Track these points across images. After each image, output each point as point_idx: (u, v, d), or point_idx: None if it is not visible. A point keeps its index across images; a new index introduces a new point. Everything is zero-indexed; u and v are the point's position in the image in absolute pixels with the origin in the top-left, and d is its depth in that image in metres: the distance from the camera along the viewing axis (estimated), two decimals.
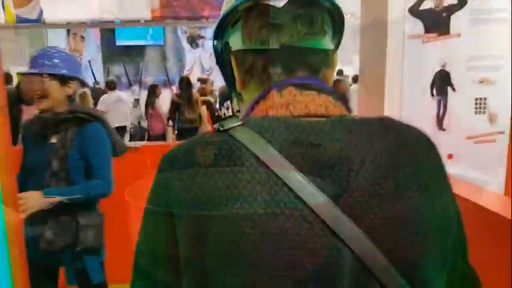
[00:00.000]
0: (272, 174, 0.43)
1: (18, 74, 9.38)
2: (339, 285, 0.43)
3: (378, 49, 2.32)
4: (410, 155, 0.48)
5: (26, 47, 12.79)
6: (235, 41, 0.57)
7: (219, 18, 0.59)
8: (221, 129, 0.47)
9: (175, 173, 0.47)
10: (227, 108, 5.91)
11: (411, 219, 0.45)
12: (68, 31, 9.00)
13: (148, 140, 5.77)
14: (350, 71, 8.57)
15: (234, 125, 0.47)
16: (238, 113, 0.66)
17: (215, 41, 0.63)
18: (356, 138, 0.46)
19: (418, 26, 2.13)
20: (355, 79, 7.52)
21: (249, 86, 0.57)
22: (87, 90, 6.13)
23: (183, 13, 5.06)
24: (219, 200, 0.43)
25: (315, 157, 0.45)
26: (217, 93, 6.73)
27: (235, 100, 0.65)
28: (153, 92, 5.78)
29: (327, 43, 0.56)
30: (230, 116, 0.50)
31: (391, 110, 2.17)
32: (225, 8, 0.58)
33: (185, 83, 5.09)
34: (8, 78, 5.54)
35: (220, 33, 0.61)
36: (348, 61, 10.49)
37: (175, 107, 5.11)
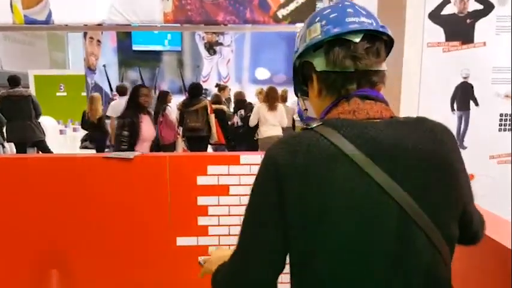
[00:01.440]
0: (343, 155, 0.65)
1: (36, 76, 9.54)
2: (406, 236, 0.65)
3: (393, 58, 2.13)
4: (438, 142, 0.69)
5: (46, 50, 13.09)
6: (320, 63, 0.74)
7: (306, 44, 0.76)
8: (308, 127, 0.70)
9: (282, 160, 0.67)
10: (241, 118, 5.74)
11: (440, 188, 0.67)
12: (85, 35, 9.07)
13: (159, 149, 5.63)
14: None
15: (316, 124, 0.70)
16: (306, 111, 0.87)
17: (297, 59, 0.81)
18: (401, 132, 0.68)
19: (439, 33, 1.96)
20: None
21: (323, 95, 0.76)
22: (97, 94, 6.10)
23: (197, 17, 4.96)
24: (316, 174, 0.65)
25: (374, 146, 0.66)
26: (232, 101, 6.61)
27: (301, 100, 0.88)
28: (163, 98, 5.69)
29: (384, 65, 0.76)
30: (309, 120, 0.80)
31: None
32: (312, 36, 0.75)
33: (192, 90, 4.97)
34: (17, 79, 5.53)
35: (302, 53, 0.78)
36: None
37: (180, 115, 4.99)
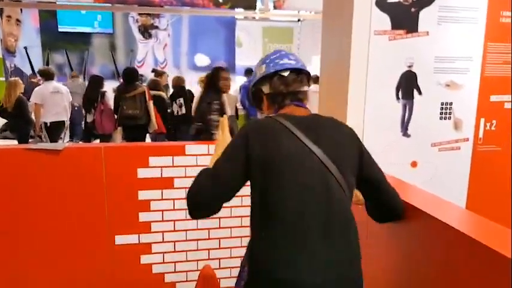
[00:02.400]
0: (292, 134, 1.09)
1: None
2: (323, 179, 1.06)
3: (341, 46, 2.12)
4: (346, 128, 1.17)
5: None
6: (266, 89, 1.24)
7: (257, 77, 1.27)
8: (269, 116, 1.17)
9: (251, 130, 1.12)
10: (180, 106, 5.46)
11: (344, 151, 1.11)
12: (1, 13, 8.10)
13: (97, 138, 5.19)
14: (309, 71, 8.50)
15: (273, 115, 1.17)
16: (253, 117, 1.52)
17: (252, 87, 1.30)
18: (321, 120, 1.18)
19: (385, 22, 1.96)
20: (314, 80, 7.41)
21: (269, 107, 1.25)
22: (17, 79, 5.46)
23: None
24: (275, 144, 1.08)
25: (305, 126, 1.11)
26: (170, 87, 6.30)
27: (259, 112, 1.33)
28: (97, 84, 5.25)
29: (306, 88, 1.26)
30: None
31: (354, 113, 1.98)
32: (261, 72, 1.25)
33: (128, 75, 4.62)
34: None
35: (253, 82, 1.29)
36: (306, 61, 10.50)
37: (115, 101, 4.64)
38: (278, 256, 1.00)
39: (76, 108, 6.11)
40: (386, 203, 1.15)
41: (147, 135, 4.95)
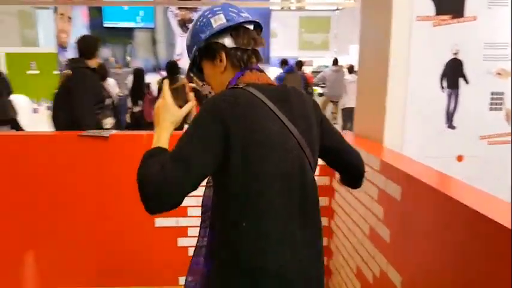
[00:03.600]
0: (270, 111, 0.95)
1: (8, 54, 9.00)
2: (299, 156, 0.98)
3: (381, 33, 2.03)
4: (304, 98, 1.06)
5: (16, 27, 12.35)
6: (229, 42, 1.02)
7: (215, 28, 1.01)
8: (237, 86, 0.98)
9: (225, 107, 0.91)
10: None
11: (312, 129, 1.02)
12: (55, 11, 8.57)
13: (143, 126, 5.39)
14: (346, 61, 8.28)
15: (243, 85, 0.98)
16: (203, 86, 1.30)
17: (202, 41, 1.04)
18: (288, 93, 1.02)
19: (429, 7, 1.86)
20: (350, 69, 7.23)
21: (228, 69, 1.03)
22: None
23: None
24: (258, 126, 0.93)
25: (279, 99, 0.98)
26: None
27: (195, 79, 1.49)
28: (140, 76, 5.47)
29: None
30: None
31: (395, 104, 1.89)
32: (218, 23, 1.02)
33: (171, 68, 4.76)
34: None
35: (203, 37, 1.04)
36: (343, 51, 10.19)
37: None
38: (264, 246, 0.92)
39: (120, 97, 6.35)
40: (351, 162, 1.14)
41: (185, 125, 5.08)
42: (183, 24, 9.19)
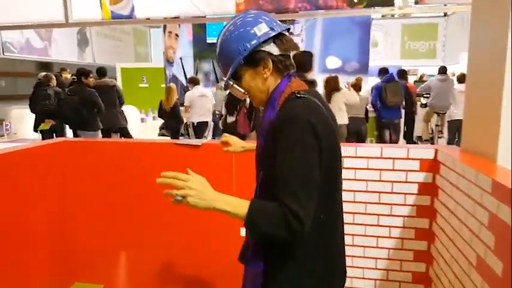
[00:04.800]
0: (323, 108, 1.05)
1: (123, 69, 10.26)
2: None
3: (495, 37, 1.79)
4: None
5: (131, 45, 14.06)
6: (274, 50, 1.06)
7: (259, 38, 1.05)
8: (302, 96, 1.03)
9: (313, 117, 0.98)
10: None
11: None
12: (164, 29, 9.48)
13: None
14: (456, 69, 7.55)
15: (303, 94, 1.03)
16: (246, 94, 1.15)
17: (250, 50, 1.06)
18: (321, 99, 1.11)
19: None
20: (460, 79, 6.56)
21: (272, 76, 1.08)
22: (173, 85, 6.33)
23: (268, 6, 4.86)
24: (330, 131, 1.02)
25: (326, 105, 1.10)
26: None
27: (234, 88, 1.15)
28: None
29: None
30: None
31: (510, 117, 1.65)
32: (263, 31, 1.05)
33: None
34: (104, 70, 5.95)
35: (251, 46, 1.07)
36: (452, 59, 9.32)
37: (251, 107, 4.97)
38: (334, 243, 1.09)
39: (217, 115, 6.75)
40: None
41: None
42: None
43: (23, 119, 8.05)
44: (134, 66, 10.85)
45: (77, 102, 5.14)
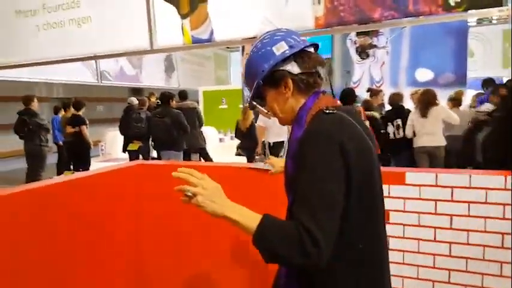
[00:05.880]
0: (356, 125, 0.98)
1: (204, 91, 10.73)
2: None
3: None
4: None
5: (212, 69, 14.75)
6: (295, 69, 1.03)
7: (278, 57, 1.03)
8: (332, 112, 0.98)
9: (343, 133, 0.93)
10: (397, 128, 4.88)
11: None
12: (242, 51, 9.71)
13: None
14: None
15: (335, 111, 0.98)
16: (268, 113, 1.15)
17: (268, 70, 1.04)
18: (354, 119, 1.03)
19: None
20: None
21: (296, 94, 1.05)
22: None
23: (350, 17, 4.58)
24: (364, 149, 0.96)
25: (359, 121, 1.03)
26: (384, 107, 5.93)
27: (260, 108, 1.18)
28: None
29: None
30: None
31: None
32: (281, 51, 1.03)
33: (346, 96, 4.57)
34: (185, 94, 6.19)
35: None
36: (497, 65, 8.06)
37: None
38: (379, 275, 1.00)
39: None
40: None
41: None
42: (362, 50, 8.97)
43: (116, 141, 8.75)
44: (214, 88, 11.27)
45: (169, 124, 5.36)
